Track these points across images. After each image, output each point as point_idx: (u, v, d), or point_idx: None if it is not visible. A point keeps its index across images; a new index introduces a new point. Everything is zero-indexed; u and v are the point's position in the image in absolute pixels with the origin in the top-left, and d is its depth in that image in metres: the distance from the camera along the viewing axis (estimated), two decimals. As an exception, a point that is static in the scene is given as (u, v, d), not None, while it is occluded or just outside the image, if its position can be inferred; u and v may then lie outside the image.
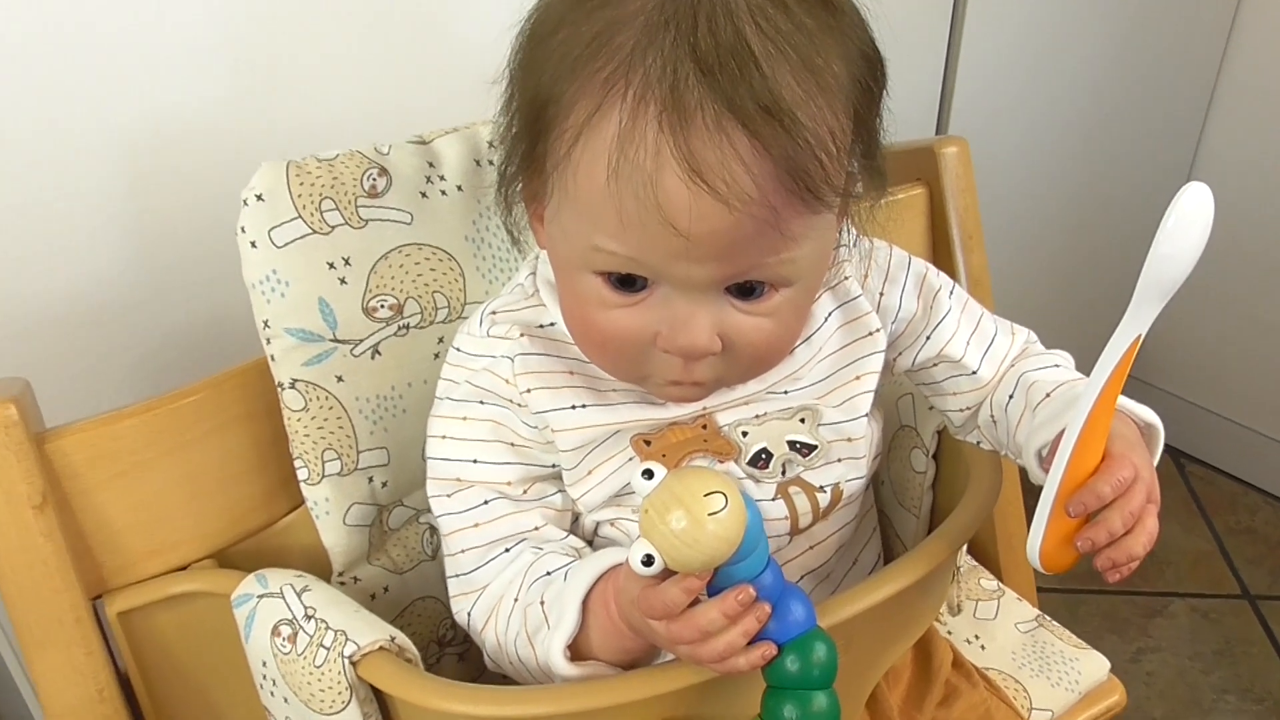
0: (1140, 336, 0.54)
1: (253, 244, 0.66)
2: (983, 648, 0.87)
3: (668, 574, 0.51)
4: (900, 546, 0.82)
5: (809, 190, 0.52)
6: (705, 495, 0.48)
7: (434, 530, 0.77)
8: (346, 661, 0.59)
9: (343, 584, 0.73)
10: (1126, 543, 0.56)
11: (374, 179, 0.70)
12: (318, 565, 0.72)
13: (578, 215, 0.55)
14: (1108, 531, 0.55)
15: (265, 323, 0.68)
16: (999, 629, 0.89)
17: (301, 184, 0.67)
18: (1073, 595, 1.60)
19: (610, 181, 0.52)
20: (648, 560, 0.49)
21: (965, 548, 0.95)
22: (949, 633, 0.87)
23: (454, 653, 0.80)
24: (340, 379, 0.70)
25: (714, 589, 0.52)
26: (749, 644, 0.52)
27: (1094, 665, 0.86)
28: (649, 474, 0.50)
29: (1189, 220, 0.51)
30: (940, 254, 0.91)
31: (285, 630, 0.62)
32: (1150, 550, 0.57)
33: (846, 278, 0.67)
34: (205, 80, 0.82)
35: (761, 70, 0.50)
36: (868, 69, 0.56)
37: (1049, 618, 0.91)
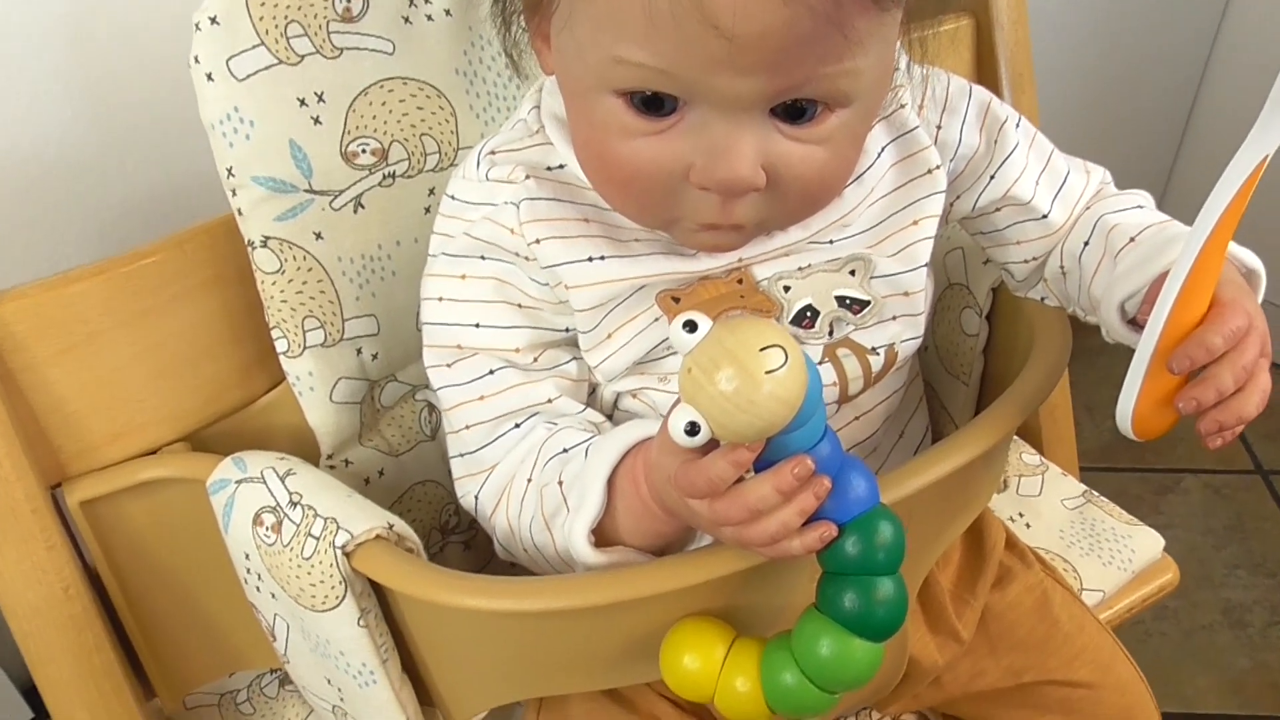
0: (1268, 156, 0.46)
1: (209, 76, 0.57)
2: (1028, 525, 0.81)
3: (711, 446, 0.43)
4: (946, 418, 0.75)
5: None
6: (761, 350, 0.40)
7: (432, 408, 0.70)
8: (339, 552, 0.52)
9: (332, 468, 0.66)
10: (1237, 402, 0.49)
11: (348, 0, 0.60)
12: (304, 448, 0.65)
13: (594, 20, 0.46)
14: (1216, 390, 0.48)
15: (229, 170, 0.59)
16: (1045, 505, 0.82)
17: (263, 4, 0.57)
18: (1082, 473, 1.57)
19: None
20: (692, 429, 0.41)
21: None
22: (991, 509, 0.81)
23: (459, 540, 0.73)
24: (319, 235, 0.61)
25: (763, 462, 0.44)
26: (804, 524, 0.44)
27: (1148, 542, 0.80)
28: (691, 326, 0.41)
29: None
30: (987, 94, 0.82)
31: (268, 519, 0.55)
32: (1263, 408, 0.49)
33: (903, 105, 0.58)
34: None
35: None
36: None
37: (1095, 492, 0.85)
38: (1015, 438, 0.87)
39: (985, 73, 0.81)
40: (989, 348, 0.72)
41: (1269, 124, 0.45)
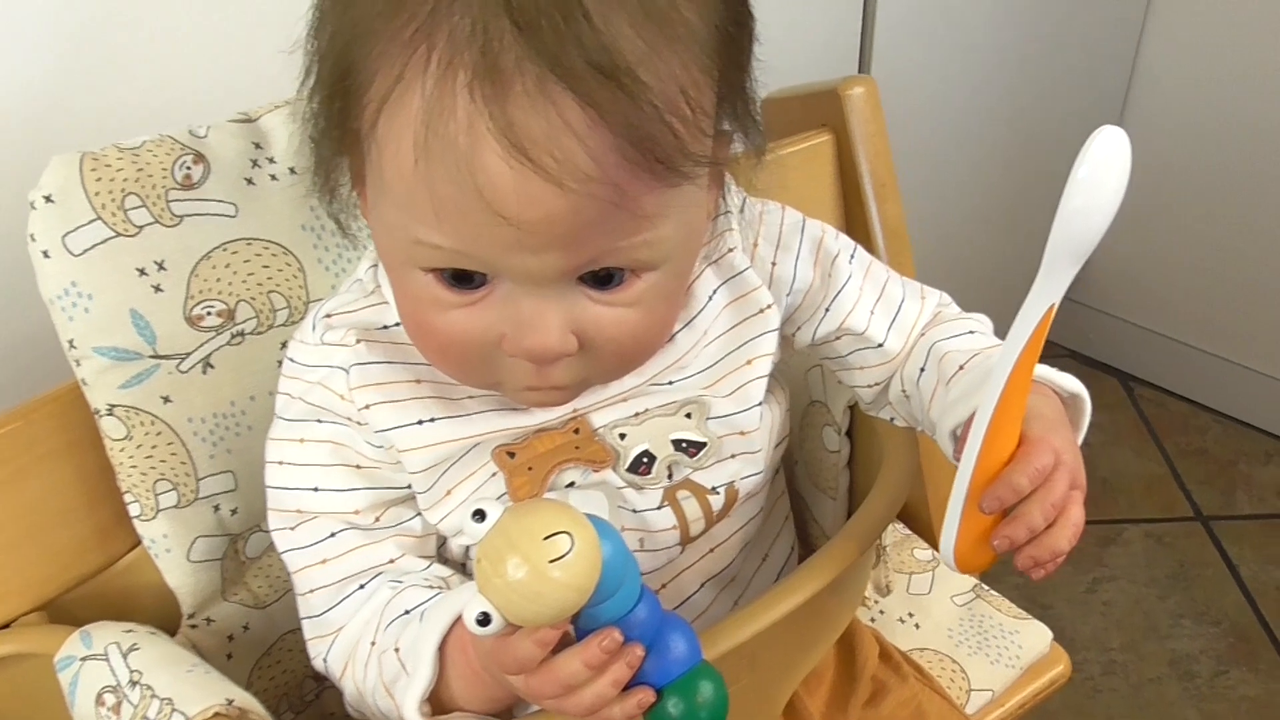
0: (1054, 306, 0.47)
1: (45, 253, 0.57)
2: (917, 626, 0.81)
3: (516, 626, 0.43)
4: (818, 531, 0.76)
5: (659, 161, 0.44)
6: (546, 538, 0.41)
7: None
8: (174, 735, 0.51)
9: (194, 627, 0.65)
10: (1048, 539, 0.49)
11: (188, 167, 0.61)
12: (168, 607, 0.65)
13: (392, 204, 0.47)
14: (1027, 528, 0.49)
15: (70, 343, 0.59)
16: (934, 604, 0.83)
17: (99, 179, 0.58)
18: (1026, 531, 1.58)
19: (420, 164, 0.44)
20: (484, 619, 0.41)
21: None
22: (881, 612, 0.81)
23: (335, 687, 0.73)
24: (167, 399, 0.61)
25: (580, 629, 0.45)
26: (624, 690, 0.45)
27: (1035, 636, 0.81)
28: (480, 515, 0.42)
29: (1103, 169, 0.44)
30: (851, 205, 0.83)
31: (109, 699, 0.54)
32: (1076, 543, 0.50)
33: (731, 249, 0.59)
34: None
35: (592, 22, 0.42)
36: (726, 10, 0.48)
37: (985, 587, 0.86)
38: (907, 533, 0.88)
39: (848, 184, 0.83)
40: (854, 461, 0.73)
41: (1051, 275, 0.46)
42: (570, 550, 0.41)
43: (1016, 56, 1.43)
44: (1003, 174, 1.54)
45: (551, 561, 0.40)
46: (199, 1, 0.78)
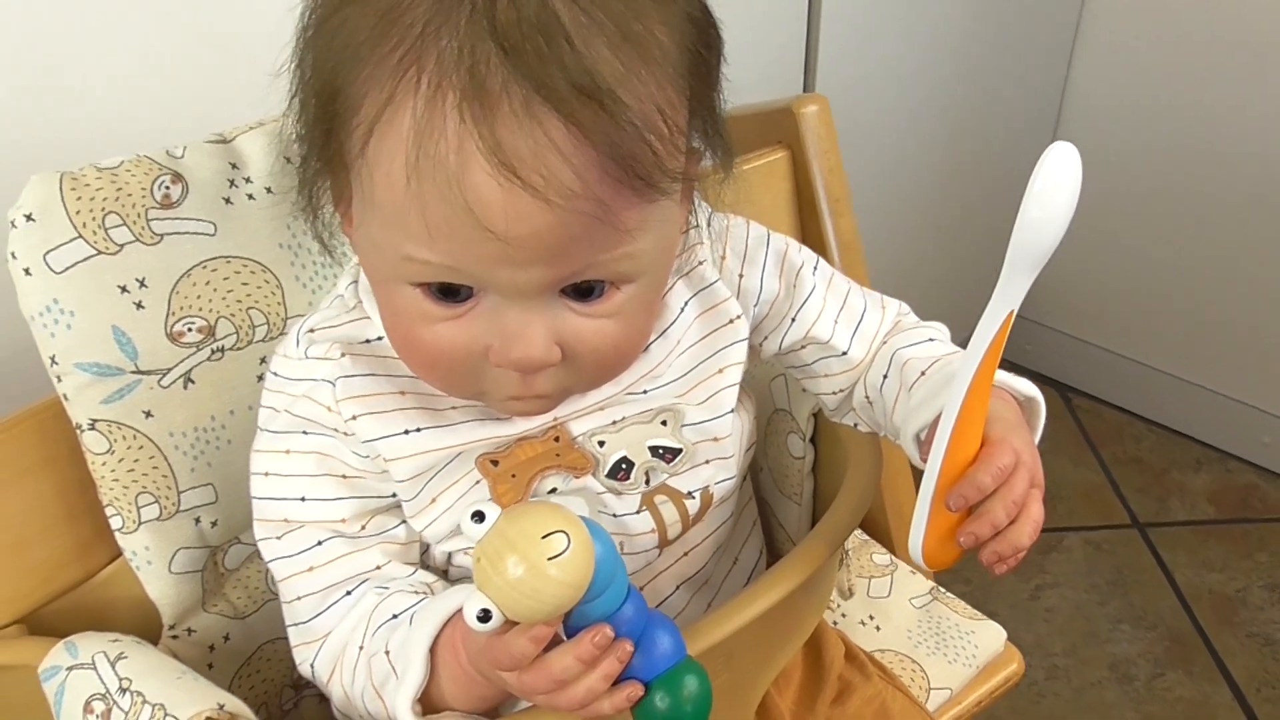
0: (1013, 312, 0.50)
1: (26, 271, 0.58)
2: (878, 628, 0.84)
3: (512, 623, 0.45)
4: (784, 535, 0.78)
5: (640, 178, 0.46)
6: (543, 537, 0.43)
7: (278, 566, 0.71)
8: (166, 741, 0.52)
9: (175, 638, 0.66)
10: (1011, 534, 0.52)
11: (167, 187, 0.62)
12: (148, 618, 0.65)
13: (382, 222, 0.49)
14: (991, 524, 0.52)
15: (52, 359, 0.60)
16: (893, 607, 0.86)
17: (80, 198, 0.59)
18: (970, 539, 1.61)
19: (411, 183, 0.45)
20: (484, 615, 0.43)
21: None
22: (843, 615, 0.84)
23: (313, 695, 0.74)
24: (149, 414, 0.62)
25: (570, 627, 0.47)
26: (613, 684, 0.47)
27: (990, 636, 0.84)
28: (479, 516, 0.44)
29: (1057, 182, 0.47)
30: (807, 220, 0.86)
31: (99, 706, 0.55)
32: (1036, 539, 0.53)
33: (701, 262, 0.62)
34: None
35: (573, 45, 0.44)
36: (697, 34, 0.50)
37: (942, 589, 0.89)
38: (865, 539, 0.91)
39: (804, 199, 0.86)
40: (817, 468, 0.75)
41: (1010, 283, 0.49)
42: (567, 549, 0.43)
43: (953, 77, 1.48)
44: (941, 192, 1.58)
45: (549, 560, 0.42)
46: (160, 26, 0.79)
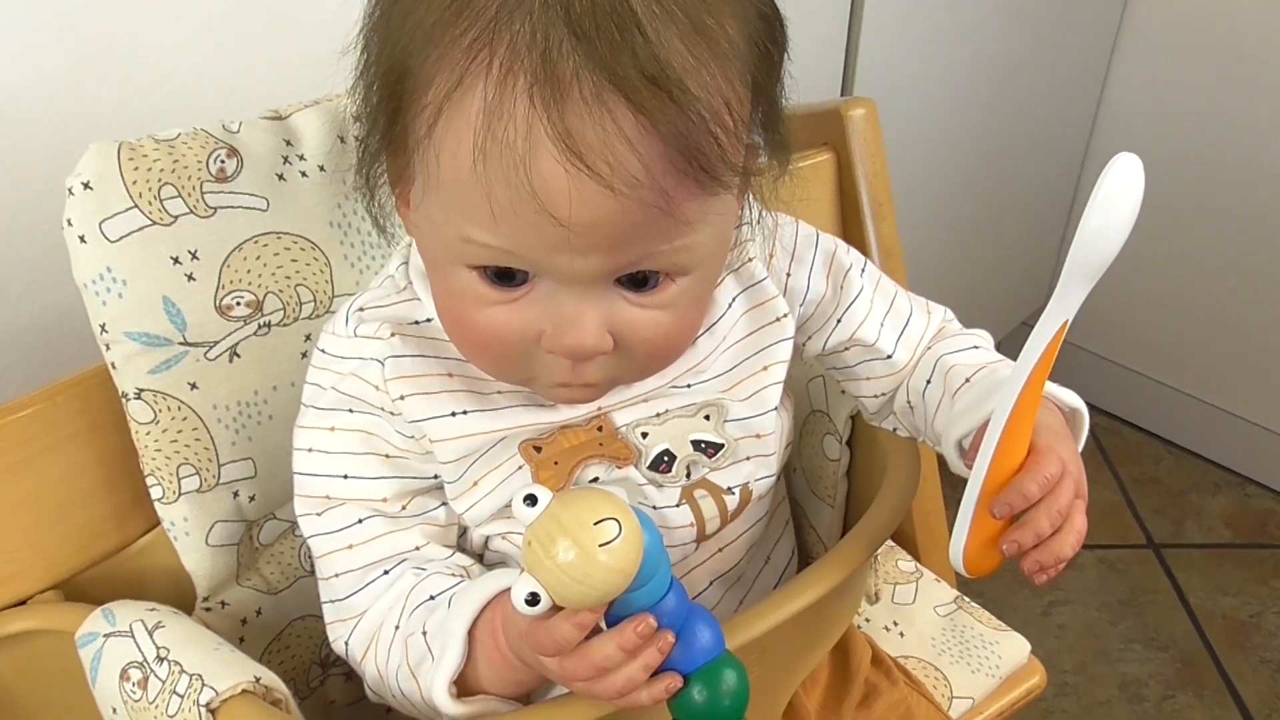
0: (1068, 321, 0.50)
1: (81, 239, 0.58)
2: (902, 635, 0.84)
3: (558, 607, 0.45)
4: (815, 538, 0.78)
5: (704, 170, 0.47)
6: (595, 523, 0.43)
7: (312, 543, 0.71)
8: (204, 710, 0.52)
9: (208, 610, 0.66)
10: (1054, 544, 0.52)
11: (222, 161, 0.62)
12: (182, 589, 0.65)
13: (444, 203, 0.49)
14: (1034, 533, 0.52)
15: (102, 327, 0.60)
16: (918, 614, 0.85)
17: (137, 169, 0.59)
18: (985, 552, 1.61)
19: (478, 165, 0.46)
20: (533, 599, 0.43)
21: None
22: (866, 620, 0.84)
23: (339, 673, 0.74)
24: (194, 386, 0.62)
25: (612, 616, 0.47)
26: (652, 675, 0.47)
27: (1014, 648, 0.83)
28: (532, 499, 0.44)
29: (1120, 193, 0.47)
30: (850, 223, 0.86)
31: (135, 674, 0.55)
32: (1079, 549, 0.53)
33: (751, 259, 0.62)
34: (28, 56, 0.72)
35: (645, 34, 0.44)
36: (765, 30, 0.50)
37: (967, 599, 0.88)
38: (891, 545, 0.91)
39: (847, 202, 0.86)
40: (852, 470, 0.75)
41: (1067, 292, 0.49)
42: (618, 536, 0.43)
43: (989, 88, 1.47)
44: (973, 201, 1.58)
45: (600, 546, 0.42)
46: (229, 3, 0.79)
